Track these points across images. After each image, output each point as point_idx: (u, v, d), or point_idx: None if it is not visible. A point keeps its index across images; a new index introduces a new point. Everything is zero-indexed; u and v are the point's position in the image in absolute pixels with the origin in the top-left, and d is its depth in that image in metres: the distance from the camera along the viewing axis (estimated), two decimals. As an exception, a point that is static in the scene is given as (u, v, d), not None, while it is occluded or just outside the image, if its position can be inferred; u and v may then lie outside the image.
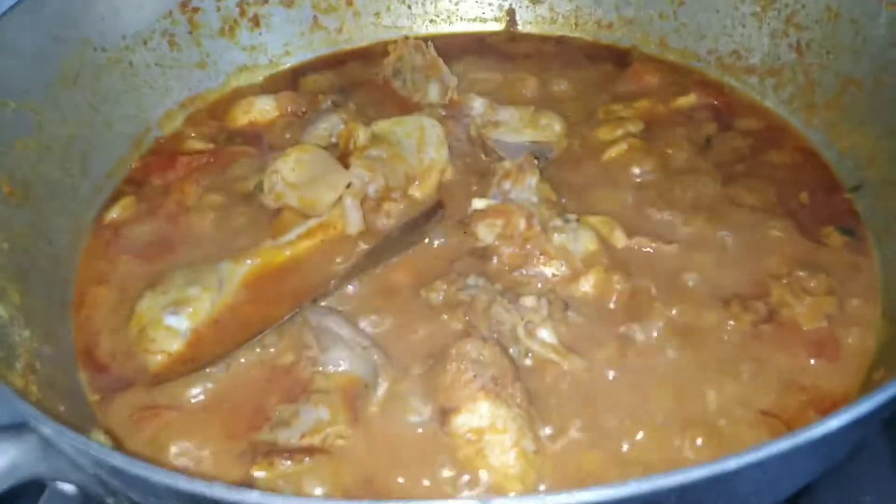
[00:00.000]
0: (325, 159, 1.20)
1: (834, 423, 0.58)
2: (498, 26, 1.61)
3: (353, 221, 1.15)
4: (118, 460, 0.58)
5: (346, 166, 1.18)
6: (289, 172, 1.18)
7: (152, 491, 0.61)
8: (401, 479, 0.87)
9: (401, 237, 1.14)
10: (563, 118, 1.33)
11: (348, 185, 1.16)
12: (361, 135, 1.22)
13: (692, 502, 0.59)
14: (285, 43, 1.53)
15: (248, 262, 1.11)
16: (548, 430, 0.91)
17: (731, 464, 0.55)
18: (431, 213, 1.17)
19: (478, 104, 1.33)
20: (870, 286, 1.06)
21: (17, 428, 0.66)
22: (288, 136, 1.34)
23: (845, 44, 1.24)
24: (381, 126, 1.26)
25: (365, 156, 1.19)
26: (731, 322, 1.01)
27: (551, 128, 1.31)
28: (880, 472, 1.10)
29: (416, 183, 1.21)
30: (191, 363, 1.01)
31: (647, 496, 0.55)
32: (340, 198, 1.16)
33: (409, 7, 1.59)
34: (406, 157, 1.22)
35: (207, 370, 0.98)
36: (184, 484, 0.56)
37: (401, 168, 1.21)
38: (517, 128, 1.31)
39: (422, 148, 1.24)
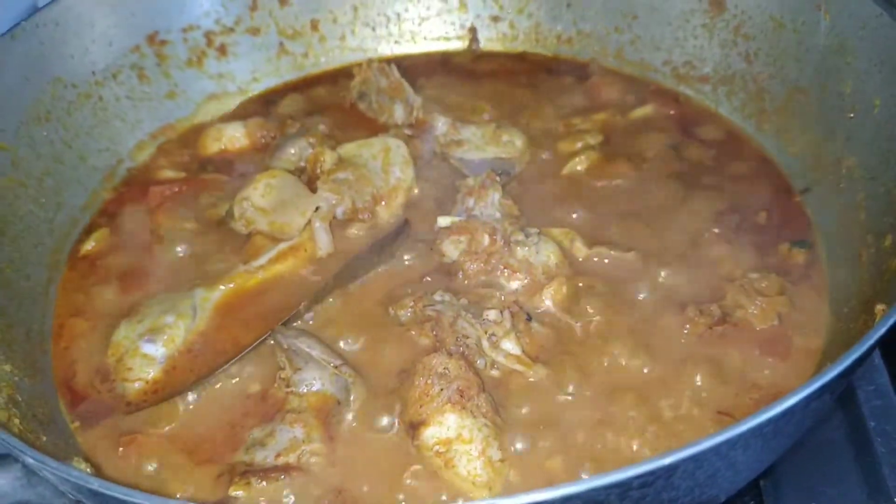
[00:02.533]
0: (293, 184, 1.24)
1: (761, 417, 0.62)
2: (461, 45, 1.65)
3: (323, 243, 1.19)
4: (96, 485, 0.62)
5: (314, 190, 1.22)
6: (258, 198, 1.22)
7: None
8: (371, 491, 0.90)
9: (369, 257, 1.17)
10: (524, 134, 1.37)
11: (316, 209, 1.20)
12: (328, 158, 1.26)
13: (641, 496, 0.63)
14: (253, 70, 1.56)
15: (221, 287, 1.15)
16: (514, 438, 0.95)
17: (667, 460, 0.59)
18: (398, 232, 1.21)
19: (441, 123, 1.37)
20: (818, 285, 1.10)
21: (1, 458, 0.69)
22: (258, 161, 1.37)
23: (790, 52, 1.29)
24: (348, 149, 1.29)
25: (332, 179, 1.23)
26: (687, 326, 1.05)
27: (513, 144, 1.35)
28: (841, 463, 1.15)
29: (384, 203, 1.25)
30: (167, 389, 1.04)
31: (594, 493, 0.59)
32: (309, 221, 1.19)
33: (374, 29, 1.63)
34: (372, 178, 1.26)
35: (183, 396, 1.01)
36: (157, 506, 0.60)
37: (368, 189, 1.24)
38: (479, 145, 1.35)
39: (387, 168, 1.28)
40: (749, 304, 1.07)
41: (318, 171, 1.24)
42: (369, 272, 1.16)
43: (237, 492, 0.89)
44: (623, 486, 0.61)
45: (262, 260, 1.18)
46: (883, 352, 1.18)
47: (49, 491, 0.69)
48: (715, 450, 0.62)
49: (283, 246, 1.19)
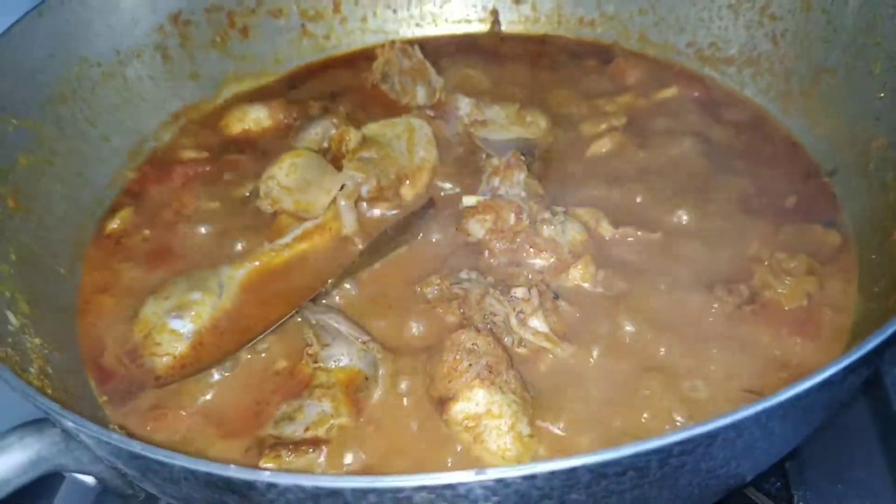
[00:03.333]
0: (318, 163, 1.24)
1: (794, 390, 0.62)
2: (483, 27, 1.65)
3: (348, 222, 1.19)
4: (137, 447, 0.62)
5: (339, 169, 1.22)
6: (283, 177, 1.21)
7: (170, 477, 0.64)
8: (400, 464, 0.90)
9: (394, 235, 1.17)
10: (547, 115, 1.37)
11: (342, 187, 1.19)
12: (353, 138, 1.25)
13: (674, 466, 0.63)
14: (275, 51, 1.56)
15: (247, 265, 1.15)
16: (543, 415, 0.95)
17: (708, 427, 0.59)
18: (423, 211, 1.21)
19: (464, 104, 1.37)
20: (847, 265, 1.09)
21: (39, 423, 0.69)
22: (281, 142, 1.37)
23: (818, 33, 1.28)
24: (372, 128, 1.29)
25: (357, 158, 1.23)
26: (715, 305, 1.05)
27: (537, 124, 1.35)
28: (866, 447, 1.15)
29: (408, 182, 1.25)
30: (195, 365, 1.04)
31: (635, 459, 0.59)
32: (334, 200, 1.19)
33: (395, 11, 1.63)
34: (397, 157, 1.26)
35: (212, 371, 1.01)
36: (201, 467, 0.60)
37: (392, 169, 1.24)
38: (504, 125, 1.34)
39: (412, 148, 1.27)
40: (777, 284, 1.06)
41: (344, 149, 1.24)
42: (395, 251, 1.16)
43: (267, 464, 0.89)
44: (664, 453, 0.61)
45: (287, 238, 1.18)
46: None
47: (86, 456, 0.70)
48: (755, 418, 0.62)
49: (308, 224, 1.19)
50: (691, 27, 1.48)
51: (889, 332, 0.68)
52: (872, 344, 0.66)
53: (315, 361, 1.00)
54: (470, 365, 0.93)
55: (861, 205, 1.15)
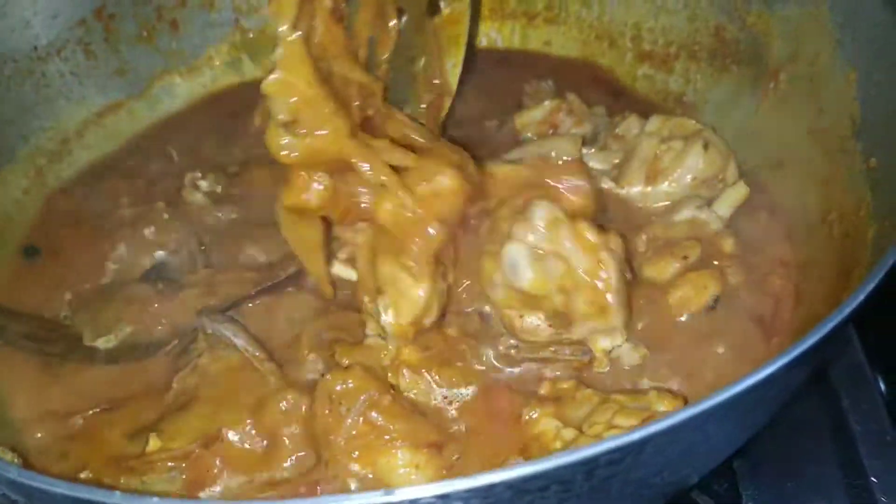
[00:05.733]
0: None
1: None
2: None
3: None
4: (13, 474, 0.57)
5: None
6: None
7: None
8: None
9: None
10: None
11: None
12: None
13: (602, 478, 0.59)
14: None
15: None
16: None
17: (636, 435, 0.56)
18: None
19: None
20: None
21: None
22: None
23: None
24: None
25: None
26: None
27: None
28: (817, 442, 1.12)
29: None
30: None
31: (559, 472, 0.55)
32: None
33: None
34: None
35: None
36: (84, 494, 0.55)
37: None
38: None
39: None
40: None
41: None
42: None
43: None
44: (590, 464, 0.57)
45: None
46: (857, 328, 1.17)
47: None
48: (687, 424, 0.58)
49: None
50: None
51: (825, 330, 0.65)
52: (809, 342, 0.63)
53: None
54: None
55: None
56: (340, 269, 1.02)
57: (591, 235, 0.90)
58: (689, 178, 1.09)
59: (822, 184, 1.06)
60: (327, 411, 0.85)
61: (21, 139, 1.27)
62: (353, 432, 0.83)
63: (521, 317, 0.90)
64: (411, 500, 0.54)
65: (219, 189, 1.21)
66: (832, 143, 1.05)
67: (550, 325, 0.90)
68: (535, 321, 0.90)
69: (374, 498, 0.54)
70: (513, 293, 0.92)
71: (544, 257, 0.90)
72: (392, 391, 0.88)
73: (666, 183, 1.09)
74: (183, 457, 0.85)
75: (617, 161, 1.15)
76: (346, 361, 0.90)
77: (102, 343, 1.00)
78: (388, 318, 0.91)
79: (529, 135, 1.24)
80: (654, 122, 1.14)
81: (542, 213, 0.92)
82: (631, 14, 1.38)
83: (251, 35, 1.52)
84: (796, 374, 0.72)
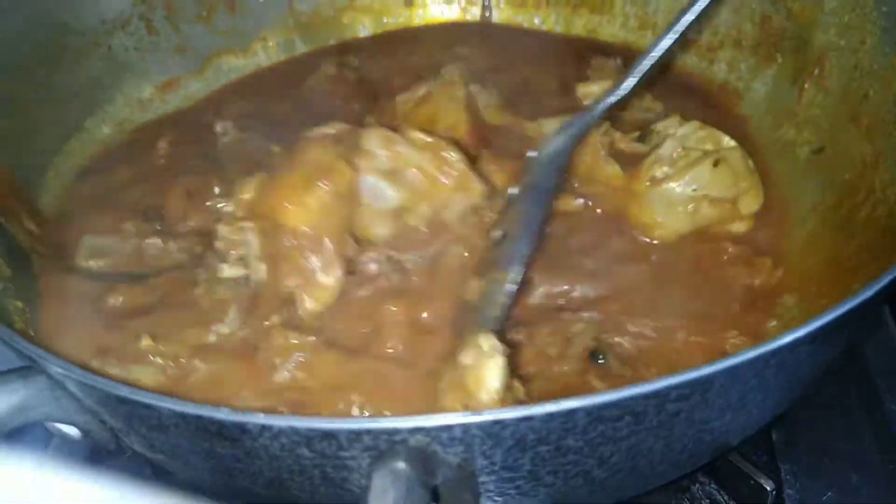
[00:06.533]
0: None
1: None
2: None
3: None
4: (125, 391, 0.60)
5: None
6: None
7: (158, 424, 0.63)
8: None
9: None
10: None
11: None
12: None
13: (670, 412, 0.63)
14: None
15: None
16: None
17: (705, 371, 0.59)
18: None
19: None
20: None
21: (24, 370, 0.68)
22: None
23: None
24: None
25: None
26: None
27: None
28: (853, 419, 1.15)
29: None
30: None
31: (631, 402, 0.59)
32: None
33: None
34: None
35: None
36: (191, 409, 0.58)
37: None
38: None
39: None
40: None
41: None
42: None
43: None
44: (661, 397, 0.60)
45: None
46: (892, 309, 1.20)
47: (72, 406, 0.68)
48: (751, 364, 0.62)
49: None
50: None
51: (885, 281, 0.68)
52: (870, 293, 0.66)
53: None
54: None
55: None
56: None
57: (424, 136, 0.97)
58: (691, 189, 1.10)
59: (866, 168, 1.09)
60: None
61: (86, 111, 1.32)
62: None
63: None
64: (497, 420, 0.58)
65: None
66: (876, 129, 1.08)
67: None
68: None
69: (462, 419, 0.58)
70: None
71: (397, 172, 0.95)
72: None
73: (670, 185, 1.11)
74: None
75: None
76: None
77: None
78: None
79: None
80: (688, 128, 1.15)
81: (374, 139, 0.96)
82: (676, 4, 1.41)
83: (304, 18, 1.57)
84: (849, 330, 0.75)
